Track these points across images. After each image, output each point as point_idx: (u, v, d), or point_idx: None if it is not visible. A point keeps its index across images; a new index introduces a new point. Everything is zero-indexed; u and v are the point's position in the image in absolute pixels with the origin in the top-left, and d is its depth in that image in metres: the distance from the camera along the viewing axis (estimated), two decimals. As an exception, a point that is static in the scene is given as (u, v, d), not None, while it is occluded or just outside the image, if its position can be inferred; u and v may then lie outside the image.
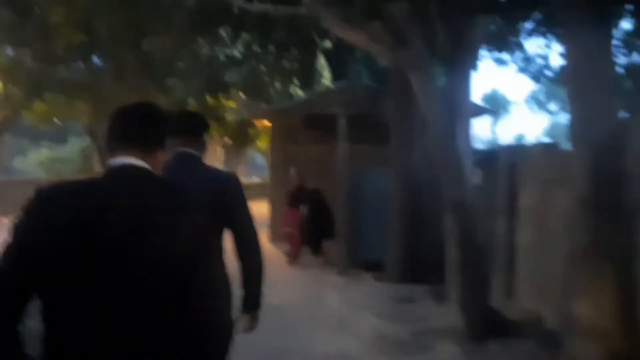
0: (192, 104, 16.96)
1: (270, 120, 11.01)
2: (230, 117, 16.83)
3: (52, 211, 1.30)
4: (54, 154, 24.22)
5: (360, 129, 8.07)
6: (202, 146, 2.30)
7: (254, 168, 37.38)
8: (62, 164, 22.56)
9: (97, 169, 20.28)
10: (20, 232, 1.31)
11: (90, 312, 1.26)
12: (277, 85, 14.17)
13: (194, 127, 2.32)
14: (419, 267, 6.76)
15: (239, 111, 15.65)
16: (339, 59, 16.20)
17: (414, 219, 6.87)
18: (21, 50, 14.81)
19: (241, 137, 21.04)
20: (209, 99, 17.17)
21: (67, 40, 12.01)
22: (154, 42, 11.37)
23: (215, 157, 25.66)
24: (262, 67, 13.78)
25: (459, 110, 4.84)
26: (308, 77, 13.29)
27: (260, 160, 35.13)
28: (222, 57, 14.46)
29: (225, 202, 2.11)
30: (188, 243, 1.33)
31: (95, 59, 17.79)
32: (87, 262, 1.26)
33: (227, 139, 23.37)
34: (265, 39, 11.44)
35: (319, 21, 5.61)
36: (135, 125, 1.47)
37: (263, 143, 15.44)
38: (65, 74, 16.60)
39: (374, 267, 7.21)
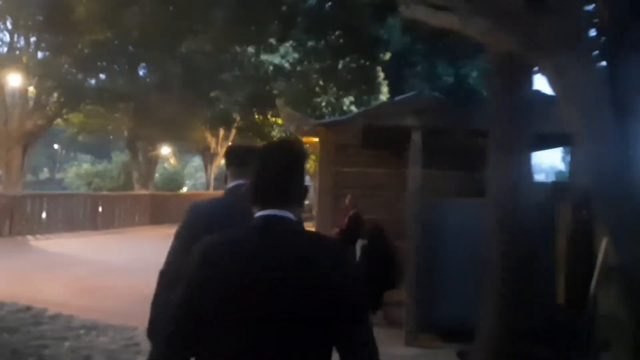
0: (236, 118, 15.69)
1: (319, 136, 9.31)
2: (276, 133, 15.35)
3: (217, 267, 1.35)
4: (94, 168, 23.51)
5: (438, 149, 6.27)
6: None
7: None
8: (102, 179, 21.74)
9: (136, 186, 19.27)
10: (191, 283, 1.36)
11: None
12: (330, 98, 12.54)
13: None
14: (524, 341, 4.82)
15: (285, 126, 14.11)
16: (397, 73, 14.47)
17: (519, 273, 4.94)
18: (59, 57, 13.86)
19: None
20: (255, 114, 15.82)
21: (93, 35, 10.77)
22: (192, 43, 9.94)
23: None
24: (314, 75, 12.20)
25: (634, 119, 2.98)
26: (368, 88, 11.57)
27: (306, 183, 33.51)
28: (268, 66, 13.06)
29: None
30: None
31: (137, 70, 16.86)
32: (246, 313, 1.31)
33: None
34: (318, 40, 9.88)
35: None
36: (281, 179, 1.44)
37: (310, 164, 14.05)
38: (105, 83, 15.60)
39: (456, 337, 5.29)
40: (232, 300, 1.31)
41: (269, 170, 1.44)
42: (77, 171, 22.71)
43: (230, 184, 2.16)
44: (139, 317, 2.56)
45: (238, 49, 13.33)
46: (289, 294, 1.31)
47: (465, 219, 5.50)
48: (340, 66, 11.49)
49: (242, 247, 1.37)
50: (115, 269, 9.85)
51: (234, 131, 19.77)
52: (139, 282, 8.57)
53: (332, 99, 12.44)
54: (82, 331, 5.54)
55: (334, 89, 12.36)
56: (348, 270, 1.39)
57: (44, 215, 14.29)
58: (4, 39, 14.13)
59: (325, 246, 1.42)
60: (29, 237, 13.53)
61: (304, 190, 1.49)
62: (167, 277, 2.07)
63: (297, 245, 1.38)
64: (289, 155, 1.47)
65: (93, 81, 15.10)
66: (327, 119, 10.11)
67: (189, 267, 1.37)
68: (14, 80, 13.67)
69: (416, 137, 5.73)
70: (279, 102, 11.26)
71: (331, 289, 1.34)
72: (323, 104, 12.42)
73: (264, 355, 1.30)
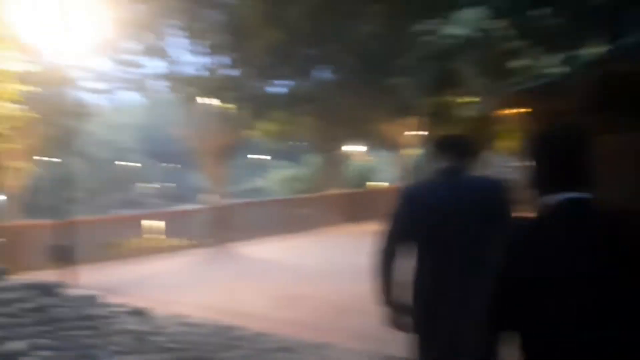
0: (421, 105, 14.65)
1: (527, 106, 7.78)
2: (465, 113, 13.88)
3: None
4: (291, 172, 24.46)
5: None
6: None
7: (496, 174, 33.00)
8: (300, 182, 22.47)
9: (329, 186, 19.35)
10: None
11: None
12: (529, 61, 10.71)
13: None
14: None
15: (478, 104, 12.56)
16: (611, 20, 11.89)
17: None
18: (239, 69, 14.34)
19: (478, 137, 17.77)
20: (441, 96, 14.57)
21: (265, 40, 10.65)
22: (365, 25, 9.14)
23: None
24: (507, 38, 10.51)
25: None
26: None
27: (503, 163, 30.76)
28: (451, 39, 11.75)
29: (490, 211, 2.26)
30: None
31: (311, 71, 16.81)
32: None
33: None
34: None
35: None
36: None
37: (509, 141, 12.35)
38: (286, 88, 15.82)
39: None
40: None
41: (562, 154, 1.49)
42: (277, 177, 23.93)
43: (442, 165, 2.41)
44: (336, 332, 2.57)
45: (415, 25, 12.24)
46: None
47: None
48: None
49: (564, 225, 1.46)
50: (313, 273, 9.57)
51: (420, 119, 18.68)
52: (336, 288, 8.16)
53: (532, 62, 10.63)
54: (279, 354, 5.08)
55: (535, 48, 10.51)
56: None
57: (246, 222, 14.96)
58: (189, 60, 15.06)
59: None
60: (234, 244, 14.22)
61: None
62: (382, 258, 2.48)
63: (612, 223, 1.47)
64: (578, 137, 1.53)
65: (275, 89, 15.42)
66: (531, 85, 8.50)
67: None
68: (206, 98, 14.55)
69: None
70: (467, 72, 9.90)
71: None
72: (520, 69, 10.66)
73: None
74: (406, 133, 20.83)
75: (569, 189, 1.45)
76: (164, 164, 47.10)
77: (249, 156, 37.92)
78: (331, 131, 18.21)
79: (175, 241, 14.17)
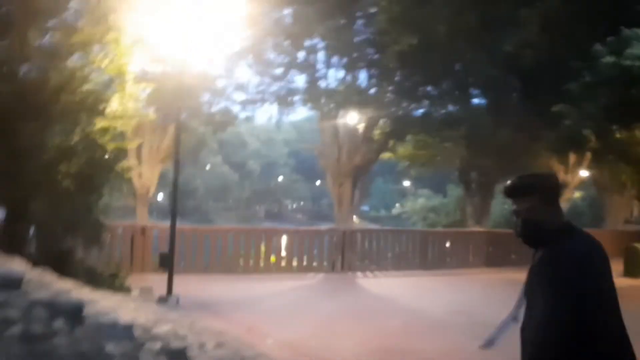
0: (589, 138, 12.34)
1: None
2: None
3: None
4: (429, 202, 22.83)
5: None
6: None
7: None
8: (437, 214, 20.76)
9: (470, 222, 17.49)
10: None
11: None
12: None
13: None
14: None
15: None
16: None
17: None
18: (381, 86, 13.42)
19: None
20: (616, 130, 12.12)
21: (400, 46, 9.56)
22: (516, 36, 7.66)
23: (623, 212, 19.33)
24: None
25: None
26: None
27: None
28: (634, 62, 9.55)
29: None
30: None
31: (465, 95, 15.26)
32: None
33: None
34: None
35: None
36: None
37: None
38: (432, 110, 14.51)
39: None
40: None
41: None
42: (413, 206, 22.50)
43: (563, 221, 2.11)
44: None
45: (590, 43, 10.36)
46: None
47: None
48: None
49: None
50: (431, 323, 8.14)
51: (587, 155, 16.05)
52: (454, 346, 6.71)
53: None
54: None
55: None
56: None
57: (375, 250, 13.85)
58: (332, 74, 14.53)
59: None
60: (359, 273, 13.17)
61: None
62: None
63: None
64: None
65: (420, 110, 14.20)
66: None
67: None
68: (350, 117, 13.85)
69: None
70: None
71: None
72: None
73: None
74: (572, 171, 18.20)
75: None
76: (314, 181, 48.22)
77: (394, 181, 36.97)
78: (481, 161, 16.42)
79: (299, 261, 13.51)
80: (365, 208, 50.36)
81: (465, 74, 15.06)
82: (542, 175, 2.24)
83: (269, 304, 9.16)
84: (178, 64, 9.44)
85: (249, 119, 17.55)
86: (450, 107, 15.38)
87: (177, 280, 9.11)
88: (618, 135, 12.89)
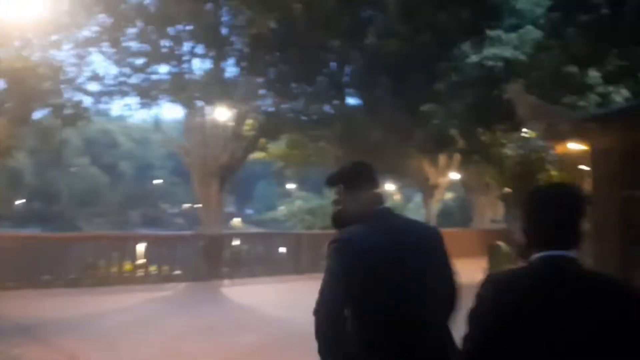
0: (455, 136, 12.46)
1: (592, 139, 5.60)
2: (512, 152, 11.57)
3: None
4: (307, 204, 22.38)
5: None
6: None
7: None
8: (314, 216, 20.31)
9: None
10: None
11: None
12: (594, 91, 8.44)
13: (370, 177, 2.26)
14: None
15: (531, 137, 10.32)
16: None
17: None
18: (251, 78, 12.56)
19: (527, 180, 15.34)
20: (480, 131, 12.34)
21: (258, 28, 8.86)
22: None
23: (489, 211, 20.25)
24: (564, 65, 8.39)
25: None
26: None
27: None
28: (496, 62, 9.63)
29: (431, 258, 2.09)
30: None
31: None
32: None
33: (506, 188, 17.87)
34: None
35: None
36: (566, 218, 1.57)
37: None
38: (304, 108, 13.92)
39: None
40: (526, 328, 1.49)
41: (555, 213, 1.57)
42: (291, 208, 21.88)
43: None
44: None
45: (457, 47, 10.30)
46: (585, 328, 1.44)
47: None
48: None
49: (534, 282, 1.52)
50: (290, 335, 7.39)
51: (457, 157, 16.41)
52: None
53: (599, 91, 8.32)
54: None
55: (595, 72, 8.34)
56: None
57: (242, 256, 12.93)
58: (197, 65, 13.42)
59: (621, 288, 1.52)
60: (226, 281, 12.17)
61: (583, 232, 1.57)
62: None
63: (591, 285, 1.50)
64: (573, 199, 1.59)
65: (292, 107, 13.52)
66: (600, 111, 6.28)
67: (481, 304, 1.59)
68: (217, 113, 12.80)
69: None
70: (514, 88, 7.75)
71: (630, 331, 1.43)
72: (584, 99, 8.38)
73: None
74: (441, 173, 18.63)
75: (556, 247, 1.52)
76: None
77: (278, 184, 36.25)
78: (350, 159, 16.17)
79: (161, 270, 12.18)
80: (249, 211, 49.27)
81: (339, 70, 14.73)
82: (345, 166, 2.30)
83: (109, 322, 7.89)
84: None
85: (104, 113, 15.82)
86: (326, 107, 14.95)
87: (6, 297, 7.58)
88: (482, 137, 13.17)
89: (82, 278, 11.04)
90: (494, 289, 1.56)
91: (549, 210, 1.56)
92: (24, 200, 37.28)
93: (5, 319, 7.18)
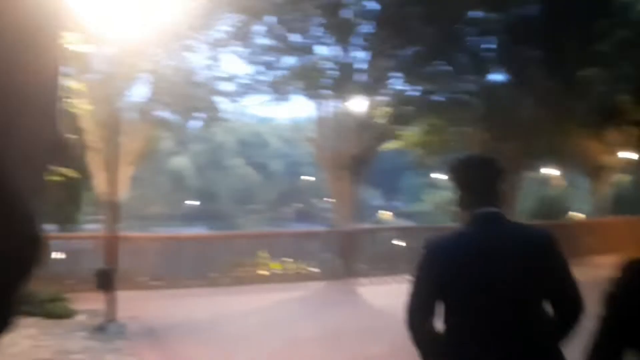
0: (621, 107, 10.27)
1: None
2: None
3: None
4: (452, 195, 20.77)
5: None
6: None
7: None
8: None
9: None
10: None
11: None
12: None
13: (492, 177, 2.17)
14: None
15: None
16: None
17: None
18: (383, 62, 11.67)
19: None
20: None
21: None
22: None
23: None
24: None
25: None
26: None
27: None
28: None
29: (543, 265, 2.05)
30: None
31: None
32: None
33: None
34: None
35: None
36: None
37: None
38: (442, 90, 12.66)
39: None
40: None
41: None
42: (434, 200, 20.47)
43: (477, 211, 2.08)
44: None
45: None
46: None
47: None
48: None
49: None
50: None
51: (630, 131, 13.82)
52: None
53: None
54: None
55: None
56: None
57: (379, 253, 12.15)
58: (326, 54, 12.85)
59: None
60: (363, 279, 11.50)
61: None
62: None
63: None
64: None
65: (425, 89, 12.36)
66: None
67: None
68: (348, 102, 12.19)
69: None
70: None
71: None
72: None
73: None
74: (609, 151, 15.95)
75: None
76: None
77: (425, 174, 34.87)
78: (503, 145, 14.45)
79: (297, 268, 11.92)
80: (397, 204, 48.39)
81: (480, 44, 13.22)
82: (457, 160, 2.24)
83: (236, 325, 7.64)
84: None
85: (240, 113, 16.08)
86: (466, 85, 13.52)
87: (144, 298, 8.15)
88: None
89: (221, 277, 11.14)
90: None
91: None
92: (191, 201, 40.68)
93: (137, 319, 7.24)
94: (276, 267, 11.61)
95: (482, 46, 13.31)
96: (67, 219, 14.03)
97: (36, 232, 0.69)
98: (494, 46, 13.55)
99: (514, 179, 15.11)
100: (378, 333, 7.14)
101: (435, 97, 12.59)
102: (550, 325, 2.01)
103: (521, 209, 16.17)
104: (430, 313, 2.05)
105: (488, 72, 13.74)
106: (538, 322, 1.98)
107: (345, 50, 12.29)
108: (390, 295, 9.94)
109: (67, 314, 7.64)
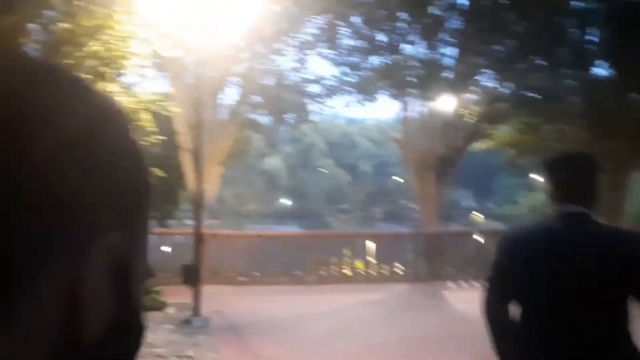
0: None
1: None
2: None
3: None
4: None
5: None
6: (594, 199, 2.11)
7: None
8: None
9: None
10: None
11: None
12: None
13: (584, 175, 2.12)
14: None
15: None
16: None
17: None
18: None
19: None
20: None
21: None
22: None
23: None
24: None
25: None
26: None
27: None
28: None
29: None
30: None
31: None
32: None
33: None
34: None
35: None
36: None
37: None
38: (537, 87, 11.95)
39: None
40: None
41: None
42: (529, 202, 19.35)
43: (562, 208, 2.06)
44: None
45: None
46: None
47: None
48: None
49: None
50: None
51: None
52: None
53: None
54: None
55: None
56: None
57: (469, 256, 11.70)
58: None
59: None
60: (450, 283, 11.14)
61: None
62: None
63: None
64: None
65: (516, 85, 11.73)
66: None
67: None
68: (435, 100, 11.88)
69: None
70: None
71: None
72: None
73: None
74: None
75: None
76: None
77: (520, 175, 33.22)
78: (607, 144, 13.38)
79: (381, 269, 11.79)
80: (491, 205, 46.48)
81: (582, 37, 12.37)
82: (549, 157, 2.25)
83: (316, 325, 7.65)
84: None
85: (326, 114, 16.16)
86: (565, 81, 12.68)
87: (231, 293, 8.47)
88: None
89: (307, 275, 11.26)
90: None
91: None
92: (285, 200, 41.73)
93: (221, 314, 7.49)
94: (360, 267, 11.55)
95: (584, 38, 12.43)
96: (165, 215, 14.84)
97: (143, 323, 0.58)
98: (596, 39, 12.63)
99: (620, 179, 13.94)
100: (462, 342, 6.86)
101: (529, 94, 11.91)
102: (624, 326, 1.97)
103: (629, 212, 14.86)
104: (506, 301, 2.09)
105: (590, 66, 12.81)
106: (607, 322, 1.96)
107: (432, 47, 11.98)
108: (476, 301, 9.56)
109: (158, 307, 8.05)
